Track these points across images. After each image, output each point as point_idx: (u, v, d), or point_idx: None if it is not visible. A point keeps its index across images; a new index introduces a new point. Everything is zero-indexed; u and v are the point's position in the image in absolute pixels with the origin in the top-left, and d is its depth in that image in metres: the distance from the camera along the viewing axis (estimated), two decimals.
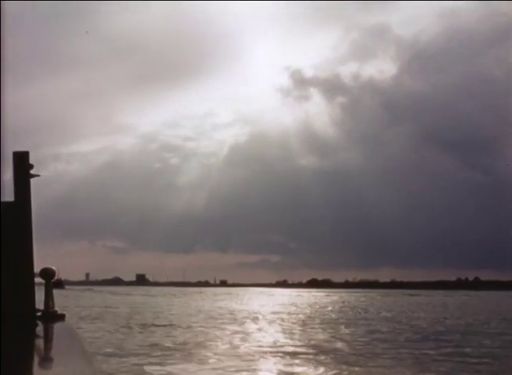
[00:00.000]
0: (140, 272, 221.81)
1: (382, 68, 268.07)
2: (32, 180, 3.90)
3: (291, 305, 56.46)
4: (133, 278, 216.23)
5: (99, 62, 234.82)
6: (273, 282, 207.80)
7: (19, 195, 3.82)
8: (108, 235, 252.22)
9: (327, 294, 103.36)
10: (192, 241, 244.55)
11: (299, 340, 22.11)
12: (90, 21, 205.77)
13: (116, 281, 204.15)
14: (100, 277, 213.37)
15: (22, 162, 3.85)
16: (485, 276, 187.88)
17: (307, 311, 43.54)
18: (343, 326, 28.26)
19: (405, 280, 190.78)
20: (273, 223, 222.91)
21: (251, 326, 27.89)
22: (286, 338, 22.68)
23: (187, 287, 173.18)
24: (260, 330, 26.26)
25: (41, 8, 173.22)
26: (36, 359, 3.19)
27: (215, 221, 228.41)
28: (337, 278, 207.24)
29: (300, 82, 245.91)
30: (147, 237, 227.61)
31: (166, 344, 19.80)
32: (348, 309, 47.00)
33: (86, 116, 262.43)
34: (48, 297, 3.94)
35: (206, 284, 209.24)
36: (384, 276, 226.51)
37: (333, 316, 37.28)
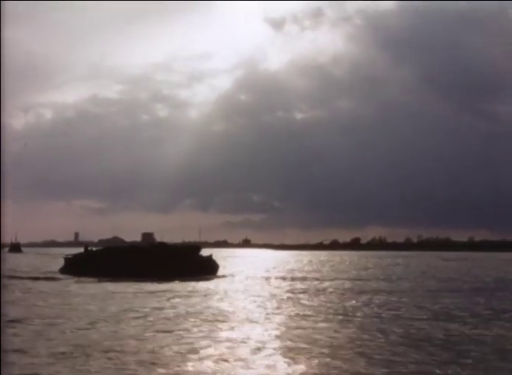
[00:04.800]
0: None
1: None
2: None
3: None
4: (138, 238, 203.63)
5: None
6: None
7: None
8: (86, 195, 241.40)
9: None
10: (172, 201, 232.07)
11: None
12: None
13: (117, 242, 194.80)
14: (90, 238, 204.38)
15: None
16: (479, 236, 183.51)
17: None
18: None
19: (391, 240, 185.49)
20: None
21: None
22: None
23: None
24: None
25: None
26: None
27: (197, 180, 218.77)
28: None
29: None
30: (128, 197, 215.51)
31: None
32: None
33: (65, 58, 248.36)
34: None
35: (226, 244, 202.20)
36: (368, 235, 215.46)
37: None
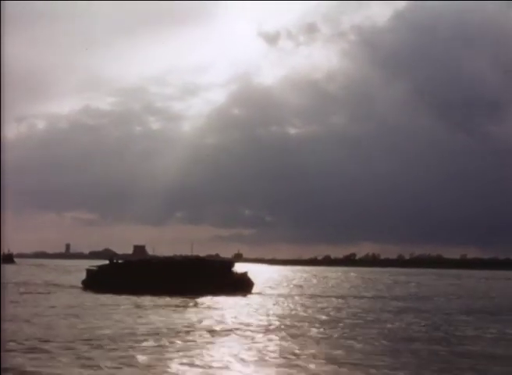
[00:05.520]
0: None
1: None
2: None
3: None
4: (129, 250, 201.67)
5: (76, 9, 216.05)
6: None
7: None
8: (77, 206, 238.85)
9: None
10: (164, 214, 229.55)
11: None
12: None
13: (109, 253, 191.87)
14: (82, 249, 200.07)
15: None
16: (470, 254, 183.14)
17: None
18: None
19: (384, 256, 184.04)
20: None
21: None
22: None
23: None
24: None
25: None
26: None
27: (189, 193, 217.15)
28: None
29: None
30: (119, 208, 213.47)
31: None
32: None
33: (59, 69, 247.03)
34: None
35: (218, 258, 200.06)
36: (360, 251, 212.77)
37: None
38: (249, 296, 32.00)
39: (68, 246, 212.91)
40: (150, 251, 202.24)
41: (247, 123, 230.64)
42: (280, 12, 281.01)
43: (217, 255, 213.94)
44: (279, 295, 33.79)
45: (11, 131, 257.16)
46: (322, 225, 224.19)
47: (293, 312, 23.71)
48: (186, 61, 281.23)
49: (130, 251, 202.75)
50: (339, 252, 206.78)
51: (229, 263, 37.11)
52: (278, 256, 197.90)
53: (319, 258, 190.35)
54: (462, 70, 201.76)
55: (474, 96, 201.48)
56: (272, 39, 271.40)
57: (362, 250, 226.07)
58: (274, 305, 27.22)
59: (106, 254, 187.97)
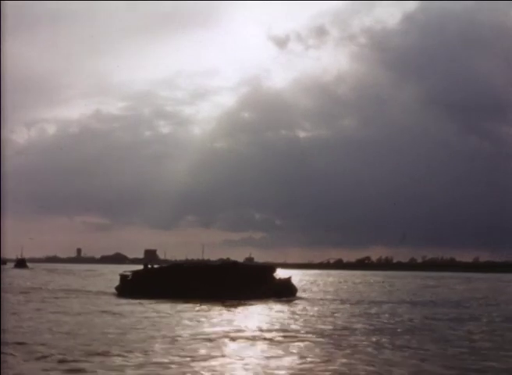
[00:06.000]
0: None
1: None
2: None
3: None
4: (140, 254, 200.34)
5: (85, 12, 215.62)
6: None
7: None
8: (88, 211, 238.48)
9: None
10: (175, 218, 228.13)
11: None
12: None
13: (120, 258, 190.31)
14: (93, 253, 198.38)
15: None
16: (482, 257, 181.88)
17: None
18: None
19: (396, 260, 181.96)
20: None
21: None
22: None
23: None
24: None
25: None
26: None
27: (199, 197, 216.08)
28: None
29: None
30: (130, 213, 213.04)
31: None
32: None
33: (69, 73, 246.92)
34: None
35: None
36: (371, 255, 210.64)
37: None
38: (294, 301, 30.90)
39: (79, 250, 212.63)
40: (161, 255, 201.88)
41: (256, 126, 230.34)
42: (289, 15, 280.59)
43: (228, 259, 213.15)
44: (320, 300, 32.58)
45: (21, 136, 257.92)
46: (332, 229, 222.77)
47: (344, 319, 22.51)
48: (195, 64, 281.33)
49: (141, 255, 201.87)
50: (349, 256, 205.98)
51: (271, 268, 35.92)
52: (288, 260, 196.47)
53: (331, 261, 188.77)
54: (473, 72, 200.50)
55: (486, 98, 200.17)
56: (281, 42, 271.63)
57: (373, 253, 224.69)
58: (320, 310, 26.08)
59: (117, 258, 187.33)
